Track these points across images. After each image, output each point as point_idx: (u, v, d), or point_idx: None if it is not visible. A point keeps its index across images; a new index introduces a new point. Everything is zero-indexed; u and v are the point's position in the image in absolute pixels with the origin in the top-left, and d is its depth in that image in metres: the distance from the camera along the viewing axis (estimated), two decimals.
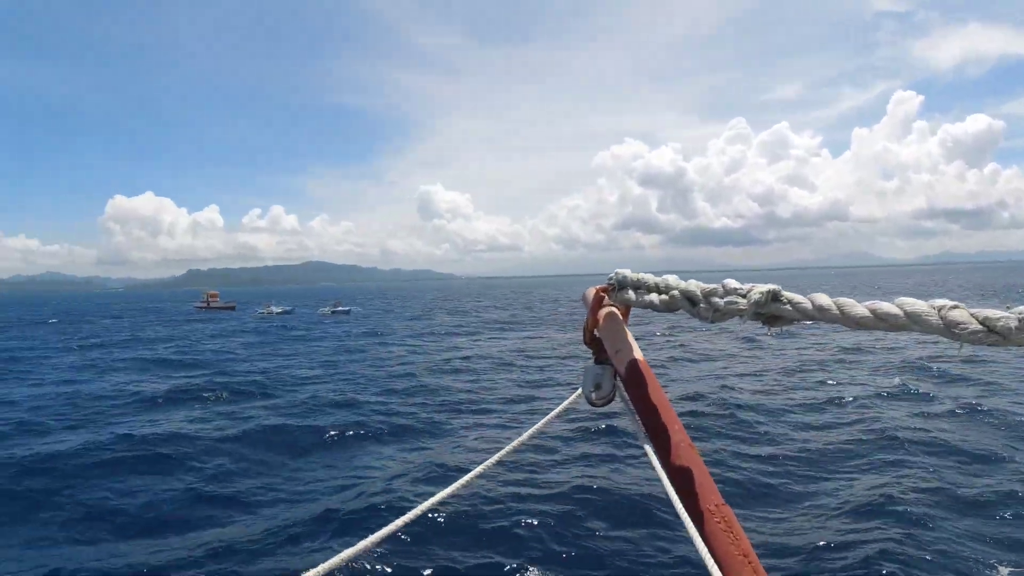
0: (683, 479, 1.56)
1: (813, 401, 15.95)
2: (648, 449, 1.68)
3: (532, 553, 8.08)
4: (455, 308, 78.27)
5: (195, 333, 49.02)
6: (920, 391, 16.44)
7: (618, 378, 1.94)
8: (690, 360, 24.38)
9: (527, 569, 7.67)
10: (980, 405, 14.40)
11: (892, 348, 24.65)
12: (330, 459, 12.74)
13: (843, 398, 16.01)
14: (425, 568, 7.70)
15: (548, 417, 2.20)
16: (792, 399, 16.31)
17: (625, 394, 1.88)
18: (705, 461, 1.61)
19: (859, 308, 1.23)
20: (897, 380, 18.03)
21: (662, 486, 1.57)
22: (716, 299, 1.48)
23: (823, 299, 1.29)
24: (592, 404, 2.02)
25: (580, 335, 2.15)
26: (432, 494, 1.89)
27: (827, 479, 10.37)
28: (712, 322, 1.51)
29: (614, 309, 2.03)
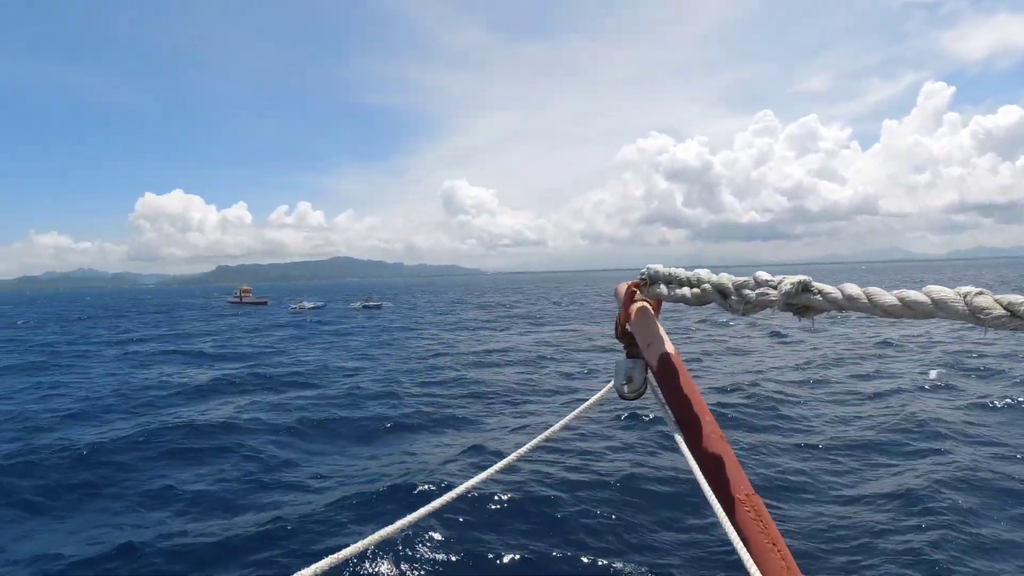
0: (714, 469, 1.61)
1: (848, 394, 15.93)
2: (679, 439, 1.73)
3: (566, 532, 8.46)
4: (484, 303, 78.58)
5: (231, 328, 50.08)
6: (958, 385, 16.33)
7: (650, 371, 1.97)
8: (722, 354, 24.40)
9: (562, 548, 7.99)
10: (1020, 399, 14.29)
11: (927, 344, 24.37)
12: (375, 446, 13.15)
13: (879, 392, 15.96)
14: (466, 543, 8.10)
15: (579, 409, 2.26)
16: (827, 392, 16.30)
17: (657, 387, 1.92)
18: (737, 452, 1.67)
19: (887, 296, 1.25)
20: (934, 374, 17.92)
21: (693, 475, 1.62)
22: (747, 291, 1.49)
23: (853, 288, 1.31)
24: (623, 397, 2.05)
25: (611, 329, 2.20)
26: (474, 475, 2.00)
27: (862, 471, 10.40)
28: (744, 314, 1.53)
29: (646, 304, 2.07)
